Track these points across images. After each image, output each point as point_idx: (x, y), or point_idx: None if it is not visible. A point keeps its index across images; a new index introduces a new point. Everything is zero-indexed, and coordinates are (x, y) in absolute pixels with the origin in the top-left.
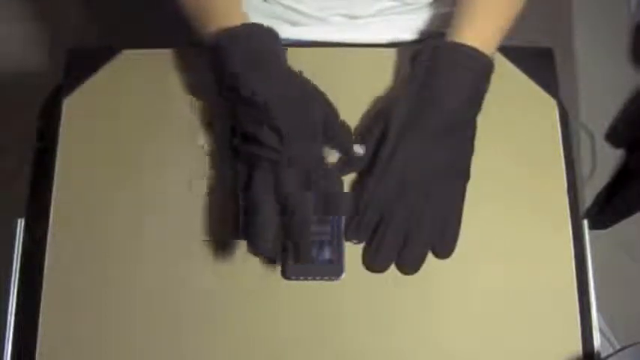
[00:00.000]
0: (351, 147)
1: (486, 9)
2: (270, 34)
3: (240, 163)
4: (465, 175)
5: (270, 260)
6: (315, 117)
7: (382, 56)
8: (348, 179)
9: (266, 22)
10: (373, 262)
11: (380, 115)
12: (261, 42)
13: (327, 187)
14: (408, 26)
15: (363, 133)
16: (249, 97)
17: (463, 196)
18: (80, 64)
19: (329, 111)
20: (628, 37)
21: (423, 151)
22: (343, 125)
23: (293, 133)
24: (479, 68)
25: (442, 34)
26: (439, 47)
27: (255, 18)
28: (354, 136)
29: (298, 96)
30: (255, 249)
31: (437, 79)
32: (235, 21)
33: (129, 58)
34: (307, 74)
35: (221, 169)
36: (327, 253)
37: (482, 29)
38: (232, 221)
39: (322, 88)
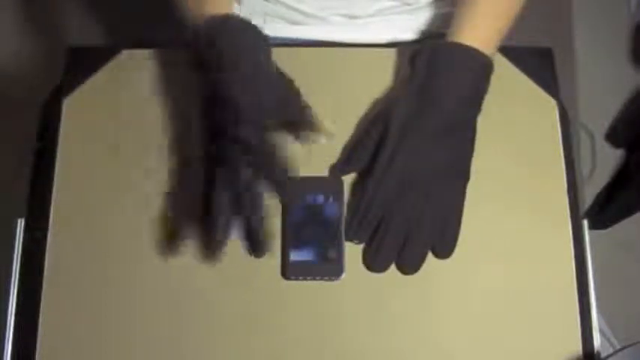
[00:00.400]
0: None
1: (486, 9)
2: (247, 27)
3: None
4: (465, 176)
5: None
6: (266, 99)
7: (382, 56)
8: (348, 179)
9: (267, 22)
10: (373, 263)
11: (380, 115)
12: (237, 34)
13: (274, 176)
14: (408, 26)
15: (363, 133)
16: (213, 83)
17: (463, 196)
18: (80, 64)
19: (289, 96)
20: (628, 37)
21: (423, 151)
22: (303, 111)
23: (243, 114)
24: (478, 68)
25: (442, 35)
26: (438, 47)
27: (255, 17)
28: (324, 131)
29: (251, 76)
30: (208, 248)
31: (436, 80)
32: (219, 10)
33: (129, 58)
34: (307, 74)
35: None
36: (327, 253)
37: (481, 29)
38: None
39: (322, 88)
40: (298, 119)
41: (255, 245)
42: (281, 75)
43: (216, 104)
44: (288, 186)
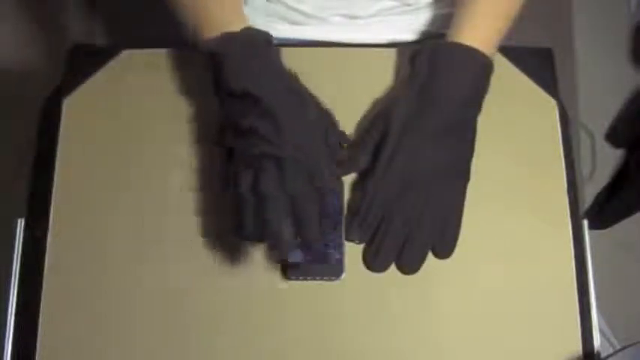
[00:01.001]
0: (345, 154)
1: (486, 9)
2: (265, 37)
3: (237, 161)
4: (465, 176)
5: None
6: (312, 114)
7: (382, 56)
8: (348, 180)
9: (267, 21)
10: (373, 263)
11: (380, 115)
12: (257, 45)
13: (330, 186)
14: (408, 27)
15: (363, 133)
16: (245, 93)
17: (463, 196)
18: (80, 64)
19: (325, 114)
20: (628, 37)
21: (424, 151)
22: (339, 132)
23: (292, 127)
24: (478, 68)
25: (442, 35)
26: (439, 47)
27: (256, 17)
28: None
29: (295, 93)
30: (273, 246)
31: (437, 80)
32: (235, 26)
33: (129, 58)
34: (307, 74)
35: (222, 168)
36: (327, 253)
37: (481, 30)
38: (232, 220)
39: (322, 88)
40: (335, 139)
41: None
42: (315, 100)
43: (253, 113)
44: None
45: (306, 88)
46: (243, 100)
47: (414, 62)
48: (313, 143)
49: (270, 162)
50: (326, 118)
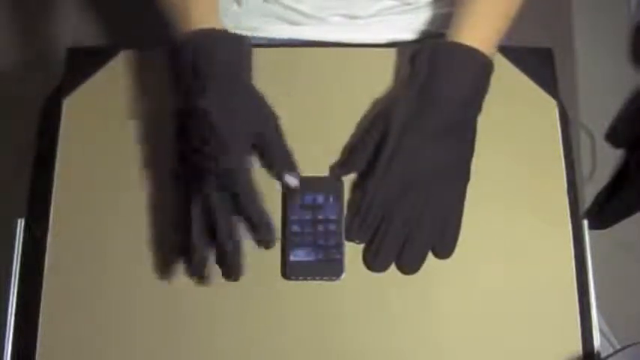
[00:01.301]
0: (284, 173)
1: (485, 9)
2: (233, 41)
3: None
4: (466, 176)
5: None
6: (245, 130)
7: (382, 56)
8: (349, 179)
9: (263, 22)
10: (373, 263)
11: (380, 115)
12: (220, 50)
13: (253, 210)
14: (408, 26)
15: (363, 133)
16: (190, 104)
17: (463, 196)
18: (80, 64)
19: (270, 130)
20: (628, 37)
21: (424, 151)
22: (282, 149)
23: (219, 145)
24: (478, 68)
25: (442, 35)
26: (438, 47)
27: (251, 19)
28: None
29: (235, 108)
30: (190, 271)
31: (437, 80)
32: (206, 24)
33: (129, 58)
34: (307, 74)
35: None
36: (327, 253)
37: (481, 29)
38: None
39: (322, 88)
40: (274, 154)
41: (229, 270)
42: (261, 99)
43: (190, 123)
44: (265, 226)
45: (260, 102)
46: (188, 110)
47: (414, 62)
48: (238, 161)
49: (196, 184)
50: (269, 137)
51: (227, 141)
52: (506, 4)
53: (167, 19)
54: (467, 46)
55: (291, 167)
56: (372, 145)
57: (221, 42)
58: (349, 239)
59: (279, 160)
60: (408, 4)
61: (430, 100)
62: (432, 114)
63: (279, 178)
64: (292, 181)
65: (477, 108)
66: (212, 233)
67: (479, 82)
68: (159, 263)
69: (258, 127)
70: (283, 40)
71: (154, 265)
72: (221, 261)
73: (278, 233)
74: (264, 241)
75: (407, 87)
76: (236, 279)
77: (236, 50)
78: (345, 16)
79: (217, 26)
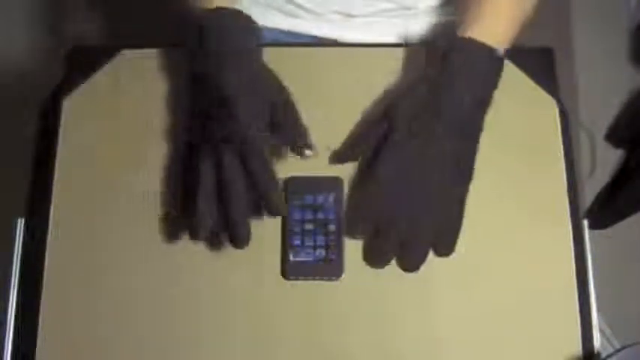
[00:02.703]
0: (301, 145)
1: (501, 7)
2: (249, 21)
3: (187, 142)
4: (469, 174)
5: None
6: (262, 100)
7: (382, 56)
8: (349, 179)
9: (264, 13)
10: (374, 259)
11: (386, 110)
12: (238, 27)
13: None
14: (404, 31)
15: (366, 131)
16: (203, 77)
17: (465, 195)
18: (80, 64)
19: (281, 102)
20: (628, 37)
21: (428, 149)
22: (296, 121)
23: (235, 116)
24: (491, 67)
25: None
26: (453, 45)
27: (252, 7)
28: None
29: (250, 81)
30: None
31: (449, 79)
32: (225, 3)
33: (129, 58)
34: (307, 74)
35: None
36: (327, 253)
37: (494, 26)
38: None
39: (322, 88)
40: (289, 130)
41: (234, 238)
42: (275, 78)
43: (208, 90)
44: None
45: (271, 79)
46: (203, 82)
47: (428, 58)
48: (251, 131)
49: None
50: (281, 109)
51: (246, 110)
52: (522, 2)
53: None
54: (481, 44)
55: (303, 136)
56: (374, 138)
57: (239, 21)
58: (350, 234)
59: (291, 128)
60: (407, 8)
61: (441, 98)
62: (442, 113)
63: (292, 148)
64: (307, 151)
65: (487, 107)
66: (219, 200)
67: (490, 81)
68: (159, 263)
69: (274, 96)
70: (278, 30)
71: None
72: (227, 227)
73: (277, 233)
74: (273, 208)
75: (417, 85)
76: (242, 246)
77: (251, 30)
78: (342, 13)
79: (235, 7)
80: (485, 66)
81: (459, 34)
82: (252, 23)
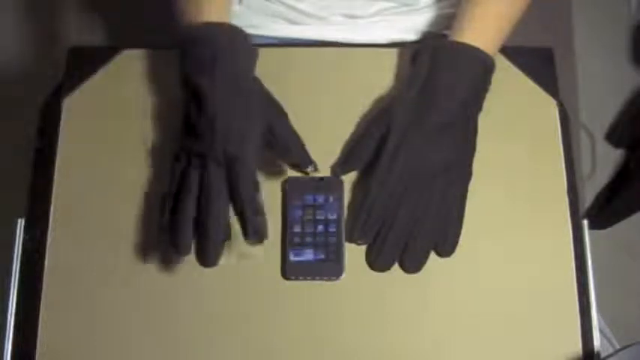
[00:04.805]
0: (304, 164)
1: (489, 10)
2: (242, 36)
3: (176, 159)
4: (467, 174)
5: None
6: (254, 124)
7: (382, 56)
8: (349, 179)
9: (264, 21)
10: (376, 261)
11: (381, 115)
12: (231, 43)
13: (248, 198)
14: (408, 27)
15: (364, 132)
16: (196, 92)
17: (465, 195)
18: (80, 64)
19: (278, 122)
20: (628, 37)
21: (425, 150)
22: (296, 140)
23: (227, 133)
24: (480, 68)
25: (443, 36)
26: (440, 47)
27: (252, 17)
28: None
29: (242, 100)
30: (175, 249)
31: (438, 79)
32: (216, 19)
33: (129, 58)
34: (307, 74)
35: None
36: (327, 253)
37: (484, 29)
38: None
39: (322, 88)
40: (284, 148)
41: (202, 256)
42: (269, 96)
43: (202, 107)
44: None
45: (265, 97)
46: (193, 96)
47: (416, 61)
48: (243, 152)
49: (195, 163)
50: (281, 129)
51: (239, 128)
52: (511, 7)
53: (179, 10)
54: (469, 46)
55: (305, 157)
56: (373, 144)
57: (232, 36)
58: (352, 240)
59: (289, 150)
60: (407, 5)
61: (431, 99)
62: (432, 113)
63: (293, 166)
64: (309, 169)
65: (478, 107)
66: (200, 214)
67: (480, 81)
68: (159, 263)
69: (269, 118)
70: (283, 39)
71: (154, 265)
72: (200, 244)
73: (277, 233)
74: (250, 234)
75: (408, 86)
76: (212, 265)
77: (244, 45)
78: (345, 15)
79: (228, 22)
80: (473, 66)
81: (449, 37)
82: (247, 39)
